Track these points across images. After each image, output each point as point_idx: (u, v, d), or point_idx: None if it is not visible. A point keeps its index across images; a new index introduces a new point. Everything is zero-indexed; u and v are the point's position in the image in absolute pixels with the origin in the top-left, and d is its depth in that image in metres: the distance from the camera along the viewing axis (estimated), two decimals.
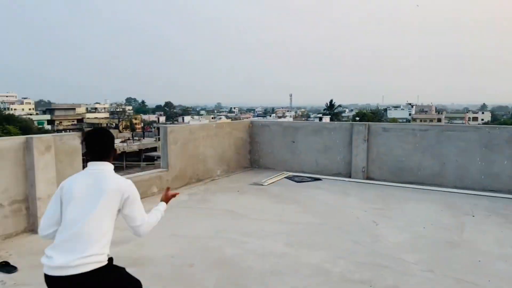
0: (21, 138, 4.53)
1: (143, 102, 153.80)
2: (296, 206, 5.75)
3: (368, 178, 7.48)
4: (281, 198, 6.19)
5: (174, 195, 2.76)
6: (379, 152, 7.43)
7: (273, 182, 7.20)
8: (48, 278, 2.06)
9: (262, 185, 6.99)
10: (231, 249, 4.10)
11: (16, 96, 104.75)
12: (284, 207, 5.69)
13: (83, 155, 2.31)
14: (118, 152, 43.91)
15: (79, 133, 5.17)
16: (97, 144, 2.26)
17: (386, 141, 7.37)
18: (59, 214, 2.14)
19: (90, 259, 2.00)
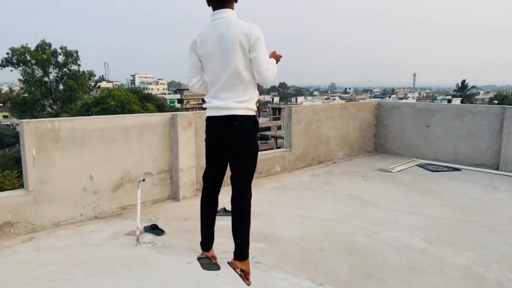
0: (167, 115, 4.95)
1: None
2: (432, 197, 5.17)
3: None
4: (414, 187, 5.64)
5: (280, 56, 2.56)
6: None
7: (402, 170, 6.62)
8: (208, 119, 2.32)
9: (390, 171, 6.49)
10: (362, 237, 3.86)
11: (152, 77, 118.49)
12: (418, 197, 5.16)
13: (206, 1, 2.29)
14: None
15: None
16: None
17: None
18: (199, 65, 2.32)
19: (241, 105, 2.21)
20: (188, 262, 3.28)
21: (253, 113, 2.28)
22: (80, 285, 2.90)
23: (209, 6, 2.26)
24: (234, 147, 2.27)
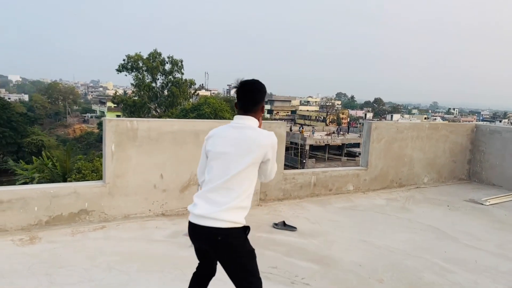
0: None
1: (352, 97, 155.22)
2: None
3: None
4: (508, 225, 4.86)
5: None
6: None
7: (497, 203, 5.76)
8: (190, 225, 2.09)
9: (482, 204, 5.69)
10: (431, 274, 3.41)
11: None
12: (510, 238, 4.41)
13: (235, 105, 2.23)
14: (320, 143, 45.72)
15: (284, 123, 5.38)
16: (245, 95, 2.13)
17: None
18: (205, 164, 2.18)
19: (228, 216, 1.97)
20: None
21: (241, 224, 2.03)
22: (131, 279, 3.05)
23: (236, 109, 2.21)
24: (221, 261, 2.07)
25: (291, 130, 54.84)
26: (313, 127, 61.52)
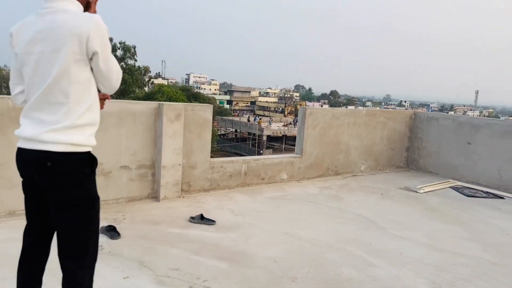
0: (153, 104, 4.48)
1: (310, 89, 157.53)
2: (458, 228, 4.23)
3: None
4: (439, 213, 4.72)
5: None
6: None
7: (432, 191, 5.66)
8: (17, 152, 1.62)
9: (416, 192, 5.56)
10: (351, 269, 3.10)
11: (206, 78, 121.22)
12: (441, 226, 4.25)
13: None
14: (277, 134, 45.82)
15: (211, 106, 4.90)
16: None
17: None
18: (19, 70, 1.62)
19: (60, 136, 1.51)
20: (124, 277, 2.74)
21: (82, 148, 1.58)
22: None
23: None
24: (53, 198, 1.59)
25: (248, 120, 54.55)
26: (271, 118, 61.66)
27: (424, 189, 5.65)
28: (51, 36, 1.50)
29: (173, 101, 38.97)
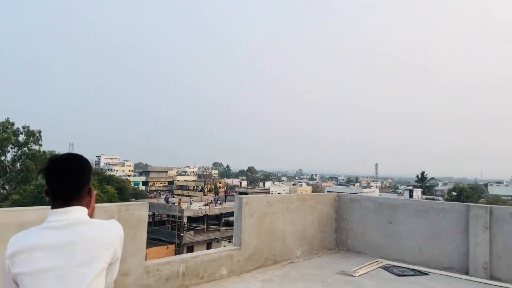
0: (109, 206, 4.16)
1: (228, 166, 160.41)
2: None
3: (492, 277, 5.74)
4: None
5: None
6: (507, 244, 5.74)
7: (365, 273, 5.87)
8: None
9: (352, 275, 5.71)
10: None
11: (119, 159, 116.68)
12: None
13: (45, 194, 1.53)
14: (198, 214, 44.67)
15: (147, 203, 4.67)
16: (63, 178, 1.49)
17: None
18: None
19: None
20: None
21: None
22: None
23: (48, 196, 1.56)
24: None
25: (167, 201, 52.54)
26: (191, 198, 60.36)
27: (358, 272, 5.83)
28: (76, 250, 1.42)
29: None
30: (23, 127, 40.21)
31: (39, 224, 1.51)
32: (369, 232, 7.05)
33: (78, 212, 1.50)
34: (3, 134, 38.46)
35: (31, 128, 40.48)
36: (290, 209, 6.61)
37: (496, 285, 5.50)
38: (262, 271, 5.84)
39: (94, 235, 1.47)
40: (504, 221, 5.81)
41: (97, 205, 4.08)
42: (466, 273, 5.91)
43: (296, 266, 6.24)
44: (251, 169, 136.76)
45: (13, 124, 40.00)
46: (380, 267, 6.23)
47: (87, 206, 1.57)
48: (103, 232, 1.50)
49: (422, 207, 6.60)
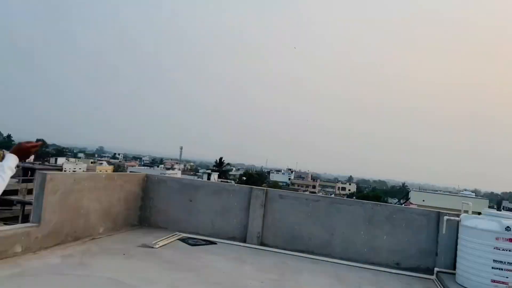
0: None
1: (9, 136, 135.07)
2: (192, 275, 5.26)
3: (262, 244, 7.40)
4: (175, 264, 5.64)
5: (35, 146, 2.02)
6: (274, 218, 7.49)
7: (165, 245, 6.58)
8: None
9: (152, 247, 6.32)
10: None
11: None
12: (179, 276, 5.15)
13: None
14: None
15: None
16: None
17: (281, 208, 7.50)
18: None
19: None
20: None
21: None
22: None
23: None
24: None
25: None
26: None
27: (158, 244, 6.49)
28: None
29: None
30: None
31: None
32: (172, 209, 7.81)
33: None
34: None
35: None
36: (97, 187, 6.67)
37: (264, 249, 7.14)
38: (61, 247, 5.77)
39: None
40: (274, 201, 7.55)
41: None
42: (244, 241, 7.40)
43: (98, 241, 6.40)
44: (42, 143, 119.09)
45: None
46: (178, 239, 7.08)
47: None
48: None
49: (218, 187, 7.81)
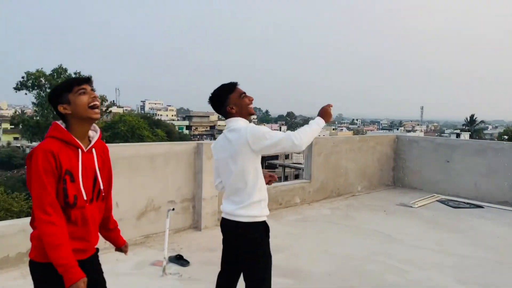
0: (192, 143, 4.98)
1: (266, 112, 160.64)
2: (459, 236, 5.05)
3: None
4: (438, 224, 5.53)
5: (330, 106, 2.35)
6: None
7: (423, 205, 6.52)
8: (221, 220, 2.37)
9: (411, 206, 6.38)
10: (392, 276, 3.75)
11: (162, 104, 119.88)
12: (444, 235, 5.04)
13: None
14: None
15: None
16: (212, 103, 2.33)
17: None
18: (217, 169, 2.42)
19: (245, 212, 2.20)
20: None
21: (260, 218, 2.24)
22: None
23: None
24: (243, 254, 2.26)
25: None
26: None
27: (417, 204, 6.49)
28: (226, 148, 2.27)
29: (136, 129, 38.59)
30: (75, 73, 42.27)
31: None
32: (426, 170, 7.58)
33: (230, 122, 2.27)
34: (57, 80, 40.80)
35: (82, 74, 42.62)
36: (352, 149, 7.24)
37: None
38: (328, 201, 6.65)
39: (230, 138, 2.22)
40: None
41: (203, 142, 4.91)
42: None
43: (357, 198, 6.99)
44: (290, 114, 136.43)
45: (66, 70, 42.16)
46: (436, 200, 6.85)
47: (235, 114, 2.30)
48: (234, 136, 2.20)
49: (480, 146, 6.99)
